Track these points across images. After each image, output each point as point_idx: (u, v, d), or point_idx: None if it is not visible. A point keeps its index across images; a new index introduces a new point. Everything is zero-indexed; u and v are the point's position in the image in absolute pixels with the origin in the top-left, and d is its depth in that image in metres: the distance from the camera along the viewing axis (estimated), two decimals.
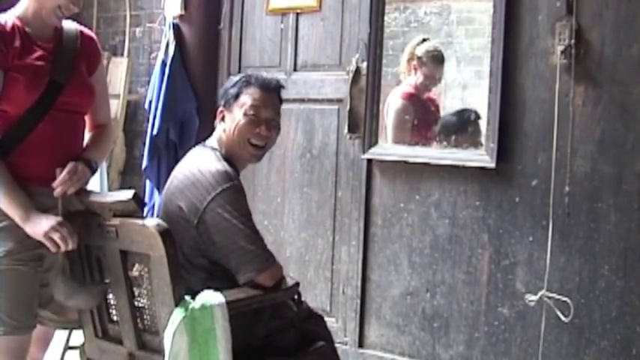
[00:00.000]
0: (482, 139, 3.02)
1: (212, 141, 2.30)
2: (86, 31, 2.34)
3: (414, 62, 3.24)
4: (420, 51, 3.23)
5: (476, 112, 3.09)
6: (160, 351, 1.98)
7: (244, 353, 2.04)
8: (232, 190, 2.10)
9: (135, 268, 2.12)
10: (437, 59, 3.21)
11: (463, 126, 3.16)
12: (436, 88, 3.29)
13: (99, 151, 2.30)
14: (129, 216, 2.06)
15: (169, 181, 2.24)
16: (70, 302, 2.15)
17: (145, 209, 3.57)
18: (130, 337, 2.12)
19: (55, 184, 2.09)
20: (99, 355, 2.29)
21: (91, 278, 2.21)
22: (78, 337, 2.59)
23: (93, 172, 2.20)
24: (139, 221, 2.02)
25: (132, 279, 2.11)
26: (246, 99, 2.24)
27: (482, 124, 3.03)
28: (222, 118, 2.28)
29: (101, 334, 2.25)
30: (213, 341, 1.94)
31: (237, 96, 2.26)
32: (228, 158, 2.22)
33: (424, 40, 3.24)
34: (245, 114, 2.23)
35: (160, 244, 1.94)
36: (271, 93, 2.29)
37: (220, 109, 2.29)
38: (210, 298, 1.98)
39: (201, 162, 2.18)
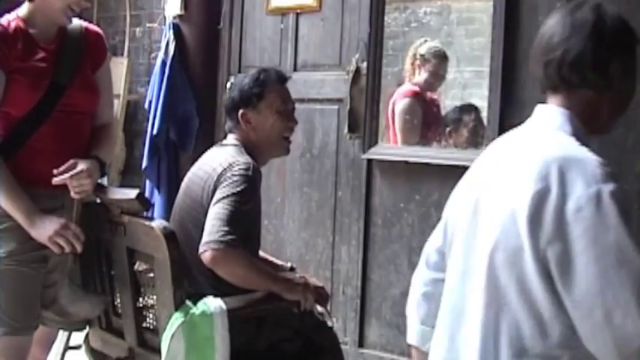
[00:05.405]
0: (483, 139, 3.02)
1: (231, 141, 2.26)
2: (92, 27, 2.31)
3: (417, 61, 3.24)
4: (423, 49, 3.23)
5: (476, 108, 3.09)
6: (159, 351, 1.97)
7: None
8: (246, 178, 2.07)
9: (137, 264, 2.12)
10: (440, 55, 3.21)
11: (463, 121, 3.16)
12: (439, 87, 3.28)
13: (104, 150, 2.23)
14: (135, 214, 2.06)
15: (185, 181, 2.23)
16: (71, 308, 2.16)
17: None
18: (131, 333, 2.13)
19: (55, 180, 2.04)
20: (101, 346, 2.30)
21: (101, 285, 2.22)
22: (78, 337, 2.60)
23: (102, 167, 2.16)
24: (146, 222, 2.02)
25: (137, 274, 2.11)
26: (274, 97, 2.26)
27: (483, 123, 3.03)
28: (248, 121, 2.24)
29: (105, 326, 2.26)
30: (211, 350, 1.90)
31: (260, 95, 2.24)
32: (251, 154, 2.19)
33: (426, 41, 3.24)
34: (278, 112, 2.26)
35: (164, 247, 1.94)
36: (286, 83, 2.34)
37: (242, 111, 2.24)
38: (212, 305, 1.94)
39: (222, 155, 2.18)
